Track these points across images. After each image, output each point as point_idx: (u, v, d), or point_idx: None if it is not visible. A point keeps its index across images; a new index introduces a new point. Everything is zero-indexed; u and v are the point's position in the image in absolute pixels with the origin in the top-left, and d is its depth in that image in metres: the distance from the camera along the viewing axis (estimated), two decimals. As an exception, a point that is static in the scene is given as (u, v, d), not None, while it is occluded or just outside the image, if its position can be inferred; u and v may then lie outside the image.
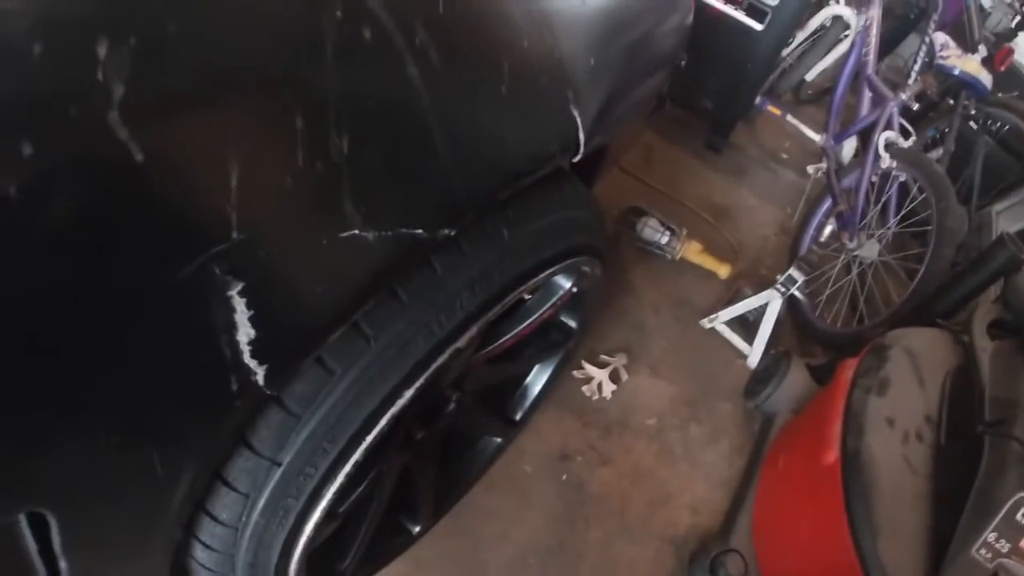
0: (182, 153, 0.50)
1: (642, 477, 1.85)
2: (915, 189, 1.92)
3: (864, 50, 1.99)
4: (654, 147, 2.75)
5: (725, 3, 2.16)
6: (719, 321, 2.22)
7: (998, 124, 2.11)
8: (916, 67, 2.00)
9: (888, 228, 1.98)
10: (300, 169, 0.55)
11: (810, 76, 2.51)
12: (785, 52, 2.38)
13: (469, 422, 1.41)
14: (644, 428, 1.96)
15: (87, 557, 0.62)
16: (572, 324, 1.44)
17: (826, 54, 2.30)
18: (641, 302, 2.27)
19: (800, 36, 2.30)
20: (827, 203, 2.23)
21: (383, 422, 0.77)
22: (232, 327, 0.57)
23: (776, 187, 2.76)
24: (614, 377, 2.00)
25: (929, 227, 1.80)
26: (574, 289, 1.13)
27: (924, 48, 1.99)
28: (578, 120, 0.77)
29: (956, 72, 1.94)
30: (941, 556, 1.21)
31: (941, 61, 1.95)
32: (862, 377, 1.52)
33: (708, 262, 2.34)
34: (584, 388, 1.95)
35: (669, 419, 2.01)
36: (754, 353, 2.16)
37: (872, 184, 2.01)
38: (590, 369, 1.98)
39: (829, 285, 2.20)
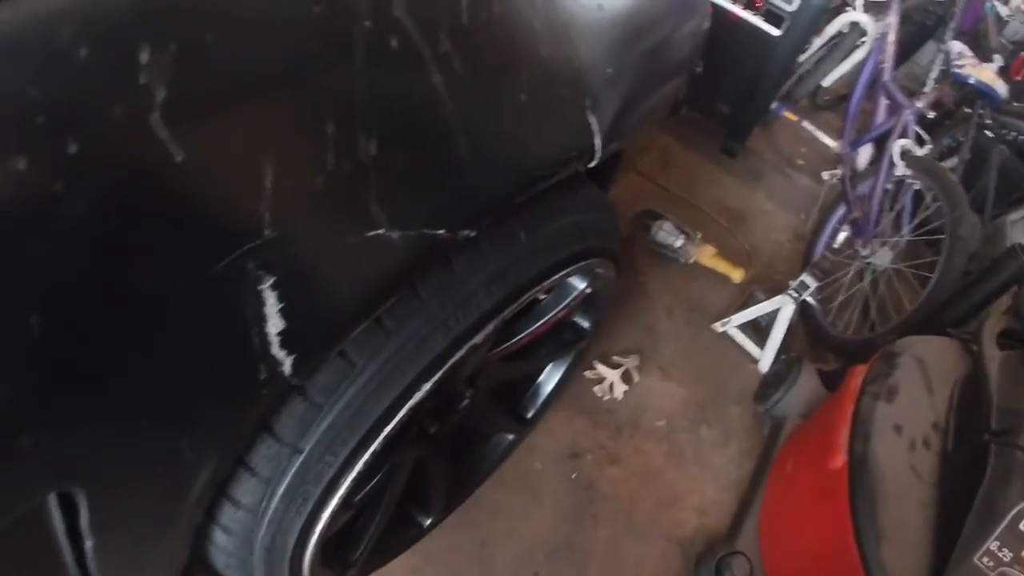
0: (219, 154, 0.53)
1: (651, 477, 1.87)
2: (929, 197, 1.92)
3: (881, 57, 2.00)
4: (670, 151, 2.77)
5: (743, 8, 2.17)
6: (731, 325, 2.23)
7: (1013, 134, 2.10)
8: (933, 75, 2.00)
9: (901, 236, 1.99)
10: (330, 171, 0.58)
11: (827, 82, 2.51)
12: (802, 58, 2.38)
13: (482, 418, 1.44)
14: (654, 429, 1.98)
15: (112, 536, 0.65)
16: (585, 325, 1.46)
17: (843, 60, 2.31)
18: (654, 305, 2.28)
19: (818, 42, 2.31)
20: (841, 210, 2.24)
21: (401, 414, 0.80)
22: (262, 319, 0.59)
23: (791, 193, 2.76)
24: (626, 378, 2.02)
25: (942, 236, 1.80)
26: (588, 290, 1.16)
27: (941, 56, 1.99)
28: (594, 127, 0.79)
29: (971, 81, 1.94)
30: (944, 563, 1.22)
31: (956, 70, 1.95)
32: (871, 384, 1.53)
33: (722, 266, 2.35)
34: (596, 388, 1.98)
35: (679, 421, 2.02)
36: (765, 358, 2.17)
37: (886, 191, 2.02)
38: (602, 370, 2.01)
39: (842, 292, 2.20)
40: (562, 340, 1.44)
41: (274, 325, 0.60)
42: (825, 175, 2.36)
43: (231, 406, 0.65)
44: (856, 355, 1.90)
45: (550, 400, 1.62)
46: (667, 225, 2.32)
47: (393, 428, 0.81)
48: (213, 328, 0.59)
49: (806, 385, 1.97)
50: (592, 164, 0.82)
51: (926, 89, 1.99)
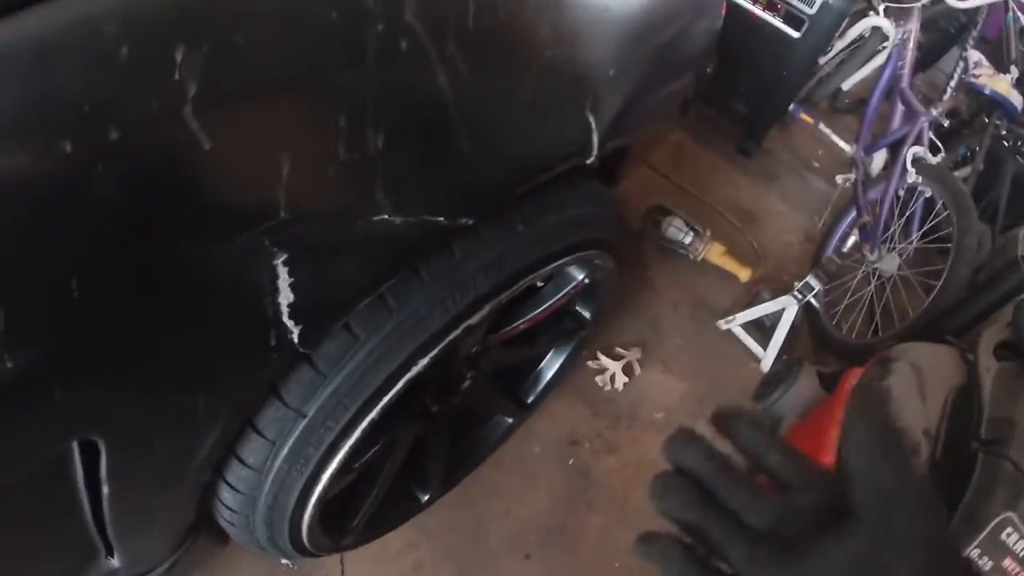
0: (242, 143, 0.59)
1: (647, 468, 1.91)
2: (940, 205, 1.93)
3: (900, 63, 2.00)
4: (685, 147, 2.78)
5: (763, 9, 2.17)
6: (735, 323, 2.26)
7: (1029, 146, 2.10)
8: (951, 84, 2.00)
9: (910, 243, 2.00)
10: (341, 161, 0.64)
11: (848, 85, 2.51)
12: (823, 61, 2.38)
13: (483, 400, 1.49)
14: (652, 421, 2.02)
15: (126, 486, 0.72)
16: (586, 314, 1.50)
17: (864, 65, 2.30)
18: (660, 299, 2.32)
19: (839, 45, 2.30)
20: (852, 214, 2.25)
21: (399, 386, 0.86)
22: (275, 291, 0.66)
23: (805, 195, 2.77)
24: (627, 370, 2.06)
25: (951, 244, 1.81)
26: (586, 281, 1.20)
27: (960, 65, 1.99)
28: (593, 125, 0.83)
29: (986, 91, 1.94)
30: (924, 566, 1.25)
31: (972, 79, 1.95)
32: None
33: (730, 264, 2.37)
34: (597, 378, 2.02)
35: (678, 414, 2.06)
36: (768, 357, 2.20)
37: (898, 198, 2.03)
38: (604, 360, 2.05)
39: (848, 296, 2.22)
40: (563, 328, 1.49)
41: (285, 297, 0.66)
42: (839, 178, 2.37)
43: (243, 369, 0.72)
44: (858, 359, 1.92)
45: (550, 387, 1.67)
46: (677, 221, 2.34)
47: (391, 399, 0.86)
48: (233, 295, 0.65)
49: (805, 386, 1.99)
50: (590, 160, 0.86)
51: (944, 97, 1.98)
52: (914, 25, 1.97)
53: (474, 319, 0.89)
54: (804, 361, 2.06)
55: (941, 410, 1.54)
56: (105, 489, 0.70)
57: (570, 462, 1.85)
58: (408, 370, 0.86)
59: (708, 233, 2.35)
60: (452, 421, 1.45)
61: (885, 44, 2.14)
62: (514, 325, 1.22)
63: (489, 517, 1.69)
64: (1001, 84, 1.92)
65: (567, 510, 1.77)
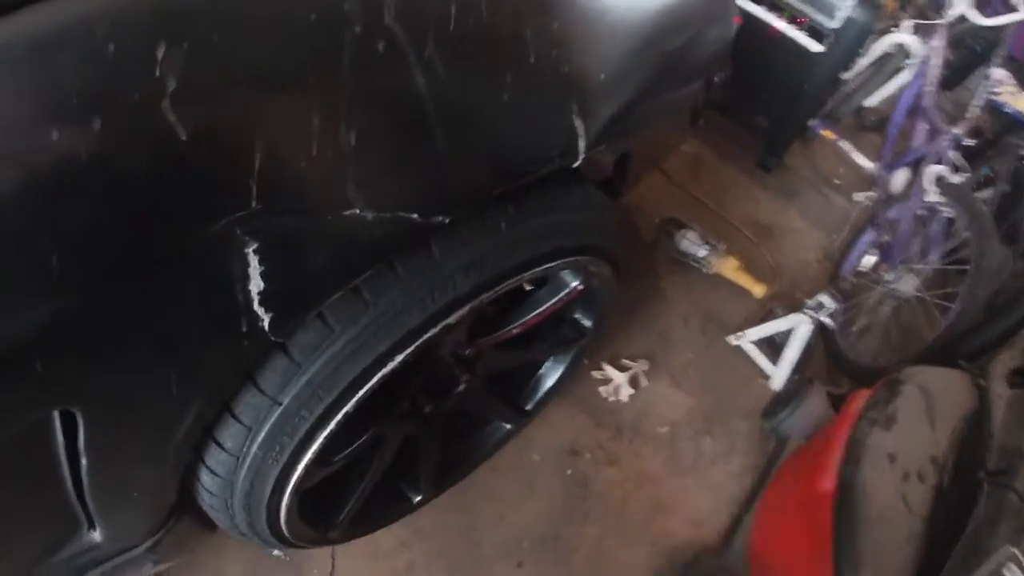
0: (217, 136, 0.61)
1: (646, 483, 1.89)
2: (960, 226, 1.88)
3: (924, 80, 1.96)
4: (704, 160, 2.76)
5: (786, 23, 2.15)
6: (746, 339, 2.22)
7: (1054, 167, 2.03)
8: (975, 102, 1.95)
9: (928, 264, 1.95)
10: (313, 157, 0.65)
11: (873, 103, 2.47)
12: (847, 76, 2.35)
13: (479, 404, 1.49)
14: (656, 435, 1.99)
15: (105, 458, 0.75)
16: (586, 323, 1.49)
17: (888, 82, 2.26)
18: (671, 312, 2.29)
19: (863, 61, 2.27)
20: (871, 232, 2.20)
21: (374, 381, 0.87)
22: (246, 278, 0.68)
23: (825, 212, 2.72)
24: (633, 382, 2.04)
25: (970, 266, 1.76)
26: (580, 287, 1.19)
27: (985, 83, 1.94)
28: (580, 130, 0.83)
29: (1007, 109, 1.89)
30: (923, 597, 1.21)
31: (993, 97, 1.90)
32: (870, 409, 1.52)
33: (744, 280, 2.34)
34: (601, 389, 2.01)
35: (683, 430, 2.03)
36: (778, 375, 2.16)
37: (917, 217, 1.98)
38: (610, 371, 2.04)
39: (863, 316, 2.17)
40: (562, 336, 1.48)
41: (255, 284, 0.68)
42: (859, 196, 2.32)
43: (215, 353, 0.74)
44: (871, 381, 1.88)
45: (550, 394, 1.66)
46: (691, 234, 2.32)
47: (367, 394, 0.87)
48: (205, 281, 0.67)
49: (814, 406, 1.96)
50: (576, 164, 0.86)
51: (967, 116, 1.94)
52: (939, 42, 1.93)
53: (452, 318, 0.89)
54: (814, 381, 2.02)
55: (950, 437, 1.49)
56: (84, 460, 0.73)
57: (569, 472, 1.84)
58: (384, 365, 0.87)
59: (723, 247, 2.32)
60: (447, 423, 1.45)
61: (910, 61, 2.10)
62: (507, 329, 1.22)
63: (484, 522, 1.69)
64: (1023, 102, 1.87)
65: (563, 519, 1.75)
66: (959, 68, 2.59)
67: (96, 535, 0.90)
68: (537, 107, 0.80)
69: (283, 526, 1.03)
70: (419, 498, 1.47)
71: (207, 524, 1.15)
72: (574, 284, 1.18)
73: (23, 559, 0.86)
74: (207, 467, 0.91)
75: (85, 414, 0.68)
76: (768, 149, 2.63)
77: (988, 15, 1.86)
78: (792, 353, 2.12)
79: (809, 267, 2.57)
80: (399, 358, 0.87)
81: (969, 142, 1.99)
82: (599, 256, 1.13)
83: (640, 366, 2.08)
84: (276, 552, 1.50)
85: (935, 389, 1.55)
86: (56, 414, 0.68)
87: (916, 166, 2.02)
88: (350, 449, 1.06)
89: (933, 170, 1.92)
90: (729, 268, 2.33)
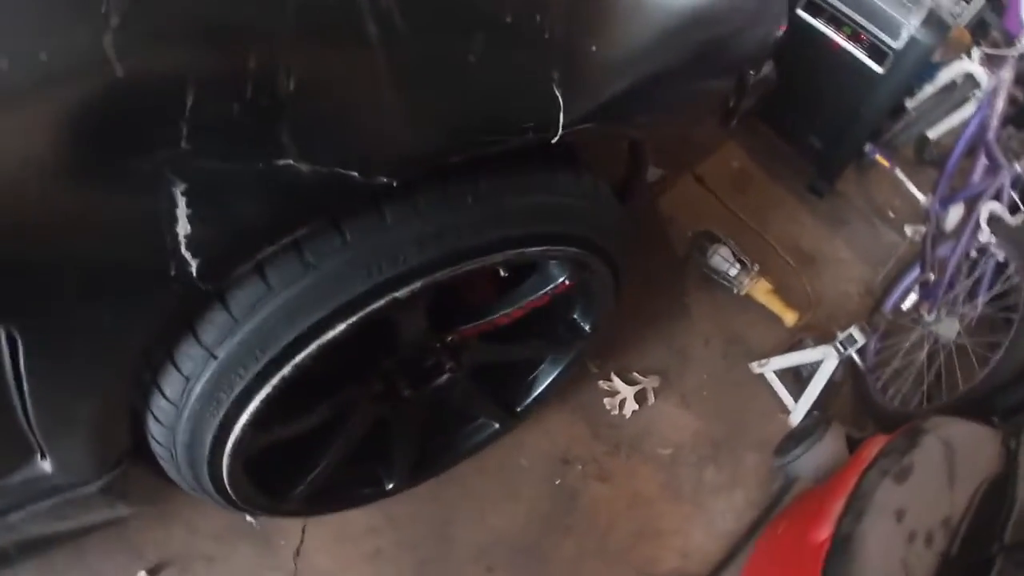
0: (151, 73, 0.61)
1: (638, 505, 1.80)
2: (1011, 270, 1.72)
3: (988, 113, 1.81)
4: (752, 177, 2.64)
5: (846, 39, 2.03)
6: (769, 368, 2.10)
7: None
8: (1042, 139, 1.80)
9: (973, 308, 1.80)
10: (246, 100, 0.63)
11: (935, 135, 2.31)
12: (910, 103, 2.20)
13: (465, 398, 1.44)
14: (656, 456, 1.90)
15: (44, 384, 0.75)
16: (584, 325, 1.43)
17: (952, 112, 2.11)
18: (692, 329, 2.19)
19: (928, 89, 2.12)
20: (917, 269, 2.05)
21: (313, 347, 0.85)
22: (173, 219, 0.67)
23: (874, 245, 2.56)
24: (640, 397, 1.96)
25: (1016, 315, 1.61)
26: (567, 282, 1.13)
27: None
28: (560, 102, 0.78)
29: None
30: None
31: (1056, 133, 1.75)
32: (884, 457, 1.39)
33: (775, 304, 2.22)
34: (606, 400, 1.93)
35: (686, 454, 1.93)
36: (798, 410, 2.03)
37: (967, 257, 1.83)
38: (618, 383, 1.95)
39: (899, 358, 2.02)
40: (556, 335, 1.42)
41: (183, 227, 0.67)
42: (908, 230, 2.17)
43: (144, 291, 0.73)
44: (896, 429, 1.74)
45: (543, 398, 1.60)
46: (724, 250, 2.21)
47: (306, 359, 0.85)
48: (133, 217, 0.67)
49: (830, 448, 1.82)
50: (554, 139, 0.80)
51: (1032, 155, 1.79)
52: (1008, 74, 1.79)
53: (401, 293, 0.85)
54: (833, 421, 1.88)
55: (969, 500, 1.35)
56: (26, 384, 0.74)
57: (557, 481, 1.77)
58: (324, 333, 0.84)
59: (756, 268, 2.20)
60: (431, 413, 1.41)
61: (976, 92, 1.95)
62: (488, 319, 1.17)
63: (460, 519, 1.64)
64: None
65: (543, 530, 1.68)
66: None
67: (47, 465, 0.91)
68: (509, 73, 0.75)
69: (228, 488, 1.01)
70: (391, 485, 1.43)
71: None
72: (561, 278, 1.12)
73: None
74: (152, 414, 0.90)
75: (24, 336, 0.69)
76: (820, 173, 2.49)
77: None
78: (815, 388, 1.99)
79: (849, 300, 2.42)
80: (340, 327, 0.84)
81: (1031, 180, 1.83)
82: (591, 252, 1.07)
83: (650, 382, 1.99)
84: (248, 518, 1.49)
85: (959, 444, 1.41)
86: (1, 334, 0.68)
87: (972, 203, 1.87)
88: (302, 421, 1.04)
89: (989, 207, 1.77)
90: (760, 291, 2.21)
